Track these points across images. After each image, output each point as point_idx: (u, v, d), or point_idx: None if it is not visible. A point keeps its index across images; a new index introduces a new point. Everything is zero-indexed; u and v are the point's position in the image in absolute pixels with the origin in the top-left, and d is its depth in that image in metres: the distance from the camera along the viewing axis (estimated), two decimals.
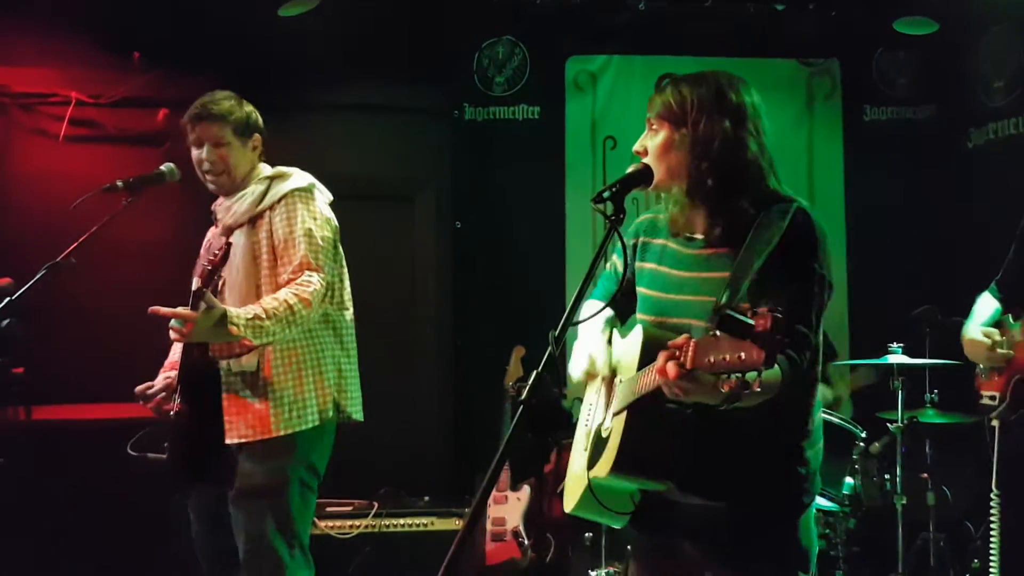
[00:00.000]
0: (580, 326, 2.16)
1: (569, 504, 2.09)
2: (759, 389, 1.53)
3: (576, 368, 2.12)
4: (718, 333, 1.53)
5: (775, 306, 1.49)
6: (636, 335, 1.98)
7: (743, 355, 1.49)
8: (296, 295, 2.69)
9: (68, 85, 4.75)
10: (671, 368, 1.62)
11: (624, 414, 1.88)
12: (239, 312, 2.61)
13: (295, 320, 2.68)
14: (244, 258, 2.80)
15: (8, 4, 4.45)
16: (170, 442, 2.80)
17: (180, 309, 2.55)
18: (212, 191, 2.95)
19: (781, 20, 5.02)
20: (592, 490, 1.95)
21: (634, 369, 1.91)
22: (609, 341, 2.13)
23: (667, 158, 1.97)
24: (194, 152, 2.89)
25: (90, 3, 4.52)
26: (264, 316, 2.62)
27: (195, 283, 2.65)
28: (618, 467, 1.86)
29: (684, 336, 1.64)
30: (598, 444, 1.99)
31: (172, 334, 2.59)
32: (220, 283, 2.88)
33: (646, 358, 1.86)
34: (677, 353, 1.63)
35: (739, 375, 1.51)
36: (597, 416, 2.08)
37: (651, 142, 2.00)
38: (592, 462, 1.98)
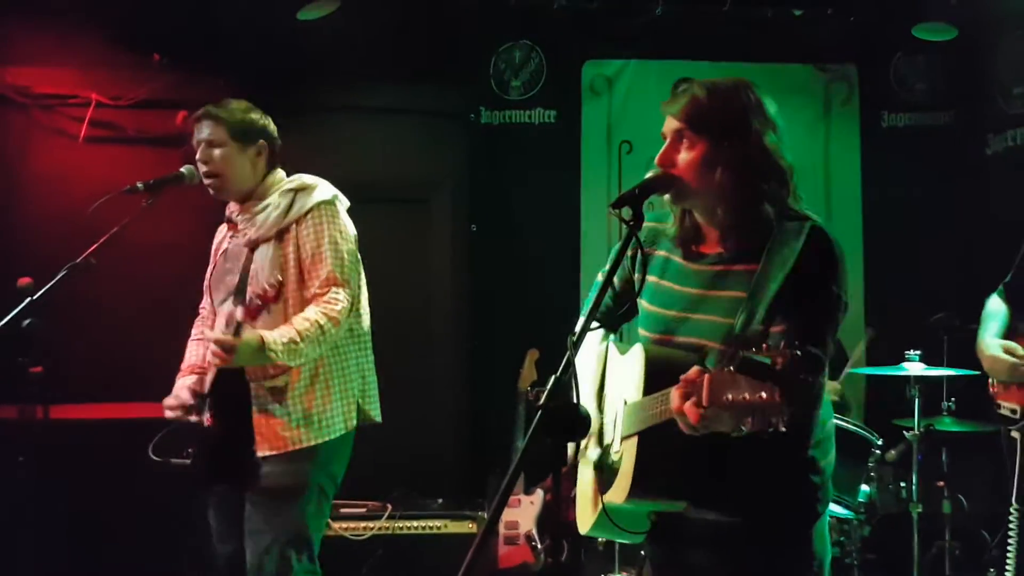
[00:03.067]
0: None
1: (584, 527, 2.06)
2: (784, 429, 1.49)
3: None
4: (733, 369, 1.50)
5: (793, 335, 1.46)
6: (636, 355, 1.92)
7: (763, 395, 1.47)
8: (326, 314, 2.74)
9: (88, 86, 4.77)
10: (689, 408, 1.60)
11: (634, 439, 1.85)
12: (275, 337, 2.66)
13: (325, 339, 2.74)
14: (272, 272, 2.81)
15: (29, 5, 4.49)
16: (197, 450, 2.84)
17: (223, 336, 2.64)
18: (213, 195, 2.93)
19: (798, 25, 4.99)
20: (607, 514, 1.93)
21: (638, 392, 1.87)
22: (606, 358, 2.09)
23: (706, 174, 1.88)
24: (197, 154, 2.90)
25: (110, 4, 4.55)
26: (299, 339, 2.69)
27: (239, 314, 2.77)
28: (634, 493, 1.83)
29: (695, 369, 1.61)
30: (608, 467, 1.96)
31: (213, 359, 2.65)
32: (248, 300, 2.89)
33: (651, 381, 1.84)
34: (691, 390, 1.59)
35: (760, 415, 1.48)
36: (605, 435, 2.03)
37: (684, 155, 1.90)
38: (604, 486, 1.95)
